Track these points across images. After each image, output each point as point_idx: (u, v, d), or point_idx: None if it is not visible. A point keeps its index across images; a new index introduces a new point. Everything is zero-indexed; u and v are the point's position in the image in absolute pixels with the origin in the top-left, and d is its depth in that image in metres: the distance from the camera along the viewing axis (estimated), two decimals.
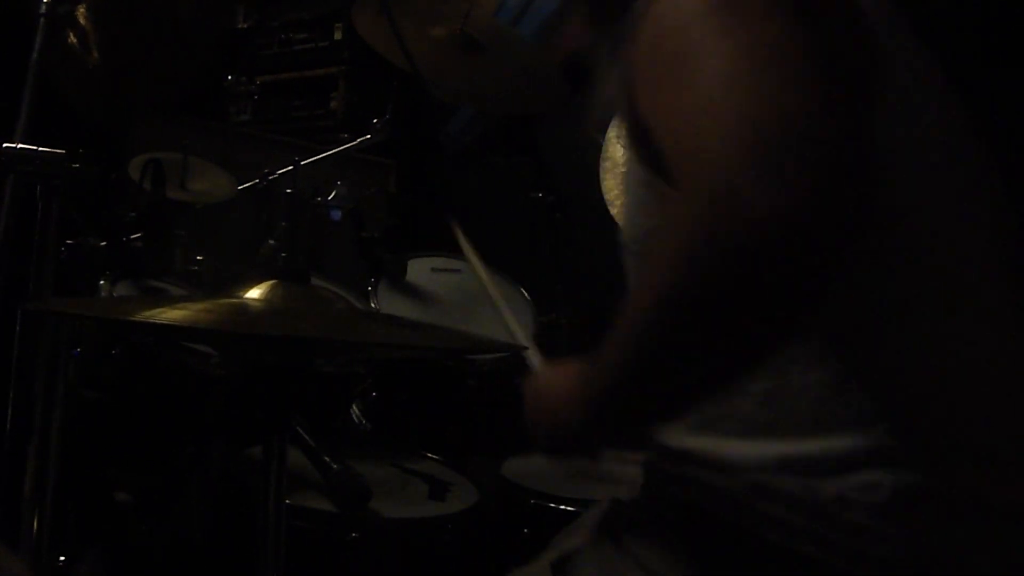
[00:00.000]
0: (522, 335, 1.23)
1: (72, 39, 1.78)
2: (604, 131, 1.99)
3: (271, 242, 1.93)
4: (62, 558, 1.53)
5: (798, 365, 0.82)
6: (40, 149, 1.33)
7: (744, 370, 0.79)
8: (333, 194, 2.04)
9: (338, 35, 3.25)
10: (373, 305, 1.87)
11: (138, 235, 1.82)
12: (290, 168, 2.12)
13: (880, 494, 0.78)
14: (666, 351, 0.76)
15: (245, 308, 0.96)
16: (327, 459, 1.36)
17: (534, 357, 1.22)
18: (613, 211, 1.95)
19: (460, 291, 2.01)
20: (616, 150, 1.96)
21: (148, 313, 0.95)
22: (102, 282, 1.71)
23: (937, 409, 0.81)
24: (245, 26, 3.38)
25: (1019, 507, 0.80)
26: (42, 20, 1.45)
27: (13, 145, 1.33)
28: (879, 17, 0.86)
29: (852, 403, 0.81)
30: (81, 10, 1.74)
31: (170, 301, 1.27)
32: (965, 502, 0.79)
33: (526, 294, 2.06)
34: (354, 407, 1.82)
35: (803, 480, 0.80)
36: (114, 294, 1.68)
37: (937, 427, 0.81)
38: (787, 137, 0.66)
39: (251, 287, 0.99)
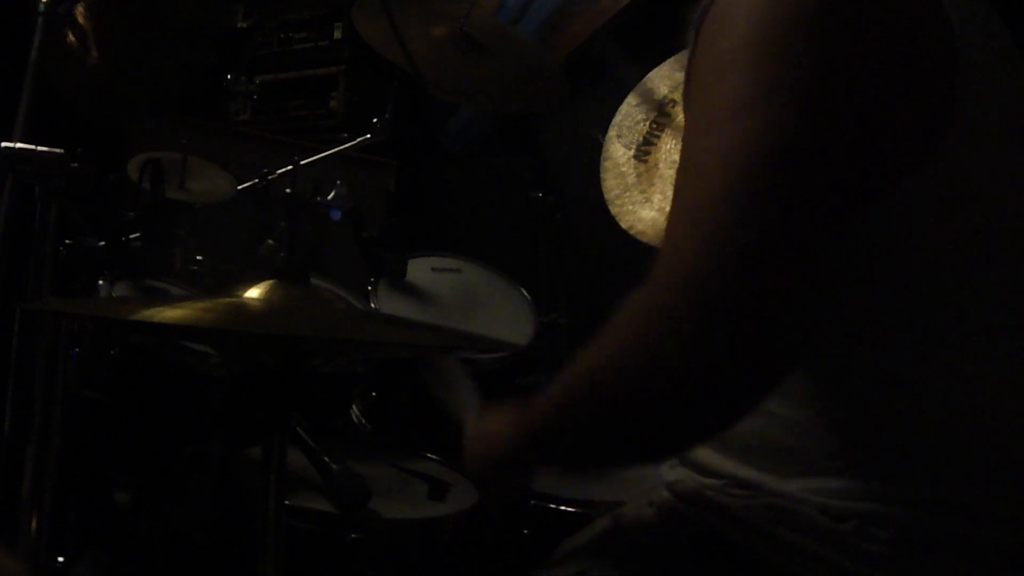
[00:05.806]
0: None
1: (72, 38, 1.77)
2: (604, 131, 1.99)
3: (271, 242, 1.92)
4: (61, 558, 1.53)
5: (822, 400, 0.81)
6: (39, 149, 1.33)
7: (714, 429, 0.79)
8: (333, 194, 2.03)
9: (338, 35, 3.26)
10: (373, 305, 1.87)
11: (138, 235, 1.82)
12: (290, 168, 2.12)
13: (888, 531, 0.77)
14: (583, 426, 0.78)
15: (245, 308, 0.96)
16: (327, 459, 1.35)
17: (472, 398, 1.21)
18: (613, 211, 1.95)
19: (460, 291, 2.01)
20: (616, 150, 1.96)
21: (148, 313, 0.95)
22: (101, 282, 1.70)
23: (947, 459, 0.79)
24: (245, 26, 3.38)
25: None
26: (41, 19, 1.45)
27: (12, 144, 1.33)
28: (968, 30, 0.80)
29: (865, 442, 0.80)
30: (80, 9, 1.73)
31: (170, 301, 1.26)
32: (969, 545, 0.78)
33: (526, 294, 2.06)
34: (354, 407, 1.82)
35: (823, 503, 0.79)
36: (113, 294, 1.68)
37: (942, 476, 0.78)
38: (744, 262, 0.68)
39: (251, 287, 0.99)
